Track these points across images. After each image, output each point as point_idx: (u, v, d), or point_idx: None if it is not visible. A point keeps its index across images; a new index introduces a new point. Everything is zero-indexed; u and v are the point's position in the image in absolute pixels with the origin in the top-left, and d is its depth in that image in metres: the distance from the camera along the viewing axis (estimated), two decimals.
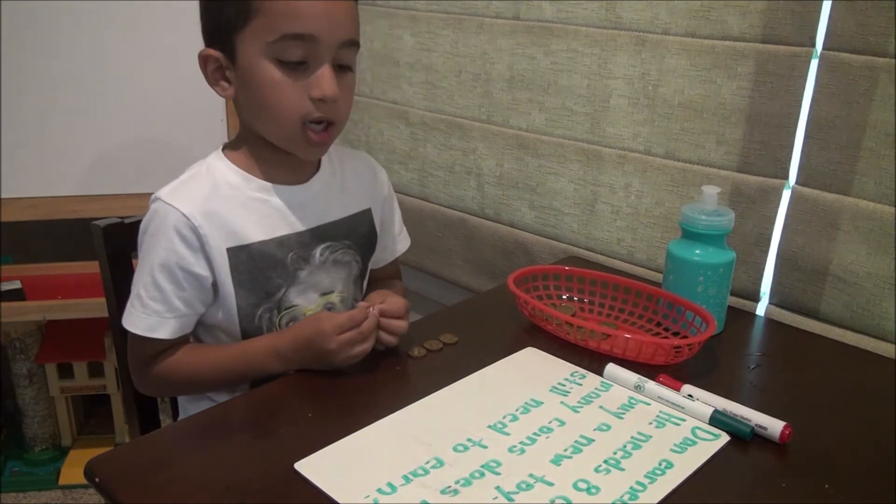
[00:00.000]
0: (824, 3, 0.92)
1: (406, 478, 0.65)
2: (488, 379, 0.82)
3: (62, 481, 1.71)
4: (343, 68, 0.83)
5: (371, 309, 0.82)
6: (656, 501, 0.63)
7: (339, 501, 0.62)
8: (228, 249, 0.83)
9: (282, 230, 0.87)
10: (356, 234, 0.94)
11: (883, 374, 0.87)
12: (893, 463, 0.70)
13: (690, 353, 0.85)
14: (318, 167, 0.92)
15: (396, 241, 1.04)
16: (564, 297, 1.01)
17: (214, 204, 0.84)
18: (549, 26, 1.18)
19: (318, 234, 0.90)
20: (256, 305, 0.86)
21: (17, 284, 1.64)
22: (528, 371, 0.84)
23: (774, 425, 0.72)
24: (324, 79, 0.80)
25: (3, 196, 1.57)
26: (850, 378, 0.87)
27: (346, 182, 0.95)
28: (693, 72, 1.04)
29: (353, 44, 0.83)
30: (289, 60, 0.79)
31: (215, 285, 0.85)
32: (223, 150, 0.89)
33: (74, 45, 1.55)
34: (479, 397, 0.79)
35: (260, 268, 0.85)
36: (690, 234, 0.92)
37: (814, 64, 0.95)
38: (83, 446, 1.80)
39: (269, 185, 0.87)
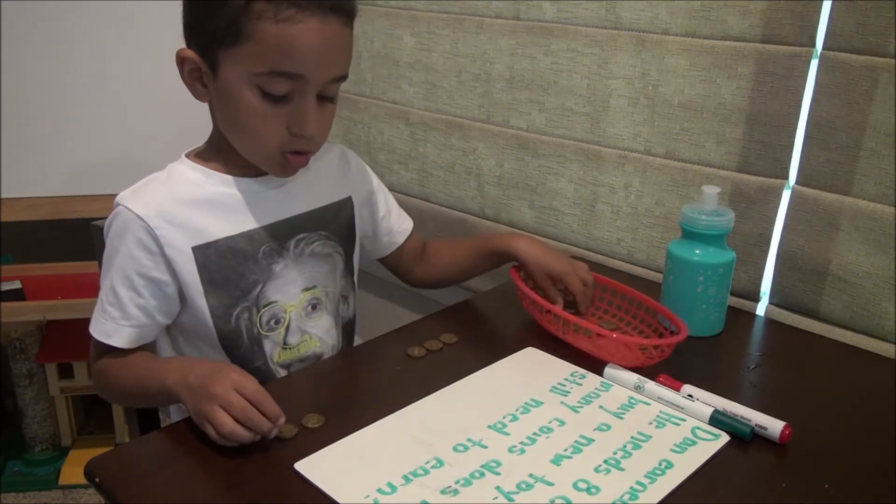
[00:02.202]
0: (824, 3, 0.92)
1: (406, 478, 0.65)
2: (488, 379, 0.82)
3: (62, 481, 1.71)
4: (325, 99, 0.80)
5: (279, 422, 0.69)
6: (656, 501, 0.63)
7: (339, 501, 0.62)
8: (194, 248, 0.81)
9: (249, 224, 0.84)
10: (333, 224, 0.91)
11: (883, 374, 0.87)
12: (893, 463, 0.70)
13: (661, 356, 0.83)
14: None
15: (401, 221, 1.03)
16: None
17: (173, 204, 0.81)
18: (549, 26, 1.18)
19: (290, 226, 0.87)
20: (232, 305, 0.83)
21: (17, 284, 1.64)
22: (528, 371, 0.84)
23: (774, 425, 0.72)
24: (306, 116, 0.78)
25: (3, 196, 1.57)
26: (850, 378, 0.87)
27: (319, 173, 0.91)
28: (693, 72, 1.04)
29: (342, 78, 0.80)
30: (273, 94, 0.77)
31: (181, 291, 0.82)
32: (187, 153, 0.87)
33: (74, 44, 1.55)
34: (479, 397, 0.79)
35: (231, 265, 0.83)
36: (690, 234, 0.92)
37: (814, 64, 0.95)
38: (83, 446, 1.80)
39: (231, 177, 0.84)
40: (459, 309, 1.04)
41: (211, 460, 0.68)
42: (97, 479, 0.66)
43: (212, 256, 0.82)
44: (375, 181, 1.00)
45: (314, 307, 0.89)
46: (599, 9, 1.12)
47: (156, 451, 0.72)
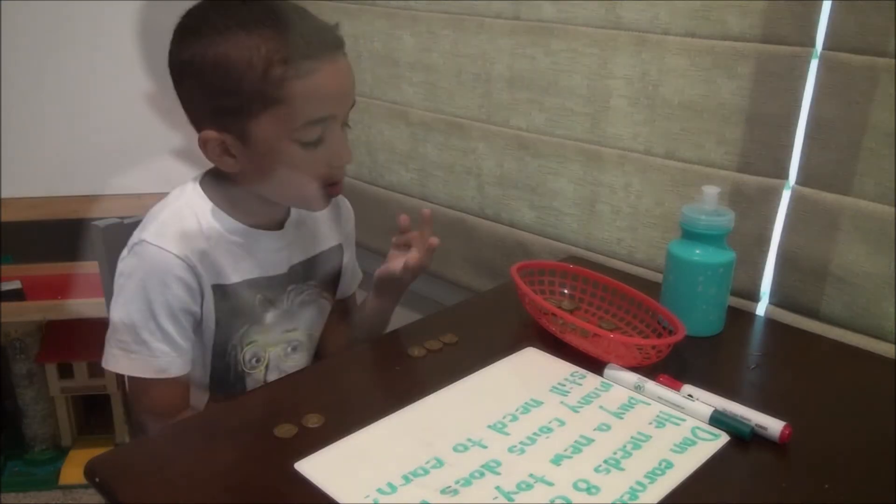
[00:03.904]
0: (824, 3, 0.92)
1: (406, 478, 0.65)
2: (488, 379, 0.82)
3: (62, 481, 1.71)
4: (344, 125, 0.85)
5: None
6: (656, 501, 0.63)
7: (339, 501, 0.62)
8: (213, 286, 0.85)
9: (252, 273, 0.88)
10: (321, 272, 0.96)
11: (883, 374, 0.87)
12: (893, 463, 0.70)
13: (659, 356, 0.84)
14: (288, 211, 0.92)
15: (355, 273, 1.06)
16: (566, 291, 1.01)
17: (202, 243, 0.84)
18: (549, 26, 1.18)
19: (285, 279, 0.91)
20: (226, 342, 0.88)
21: (17, 284, 1.64)
22: (528, 371, 0.84)
23: (774, 425, 0.72)
24: (342, 148, 0.83)
25: (3, 196, 1.57)
26: (850, 378, 0.87)
27: (316, 220, 0.96)
28: (693, 72, 1.04)
29: (354, 103, 0.86)
30: (309, 141, 0.80)
31: (200, 319, 0.86)
32: (200, 182, 0.88)
33: (73, 44, 1.55)
34: (479, 397, 0.79)
35: (233, 308, 0.87)
36: (690, 234, 0.92)
37: (814, 64, 0.95)
38: (83, 446, 1.80)
39: (246, 228, 0.87)
40: (459, 309, 1.05)
41: (211, 460, 0.68)
42: (97, 479, 0.66)
43: (221, 296, 0.86)
44: (353, 228, 1.04)
45: (294, 349, 0.93)
46: (599, 9, 1.12)
47: (156, 451, 0.72)
